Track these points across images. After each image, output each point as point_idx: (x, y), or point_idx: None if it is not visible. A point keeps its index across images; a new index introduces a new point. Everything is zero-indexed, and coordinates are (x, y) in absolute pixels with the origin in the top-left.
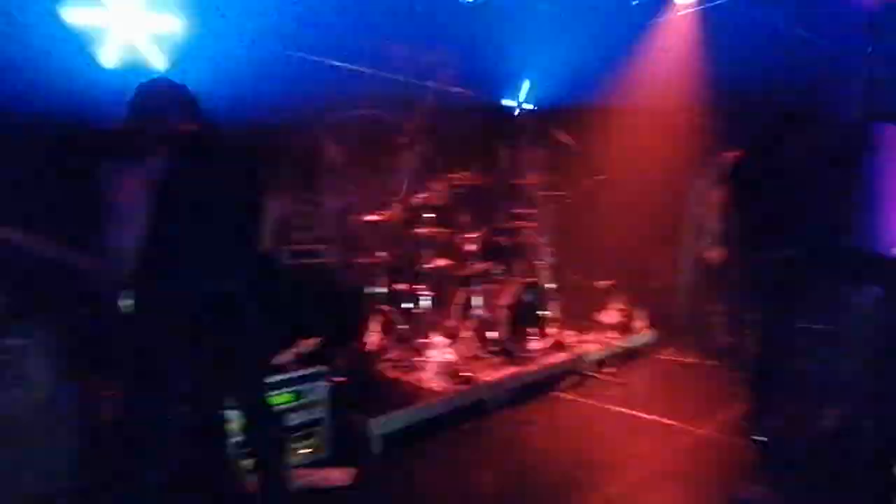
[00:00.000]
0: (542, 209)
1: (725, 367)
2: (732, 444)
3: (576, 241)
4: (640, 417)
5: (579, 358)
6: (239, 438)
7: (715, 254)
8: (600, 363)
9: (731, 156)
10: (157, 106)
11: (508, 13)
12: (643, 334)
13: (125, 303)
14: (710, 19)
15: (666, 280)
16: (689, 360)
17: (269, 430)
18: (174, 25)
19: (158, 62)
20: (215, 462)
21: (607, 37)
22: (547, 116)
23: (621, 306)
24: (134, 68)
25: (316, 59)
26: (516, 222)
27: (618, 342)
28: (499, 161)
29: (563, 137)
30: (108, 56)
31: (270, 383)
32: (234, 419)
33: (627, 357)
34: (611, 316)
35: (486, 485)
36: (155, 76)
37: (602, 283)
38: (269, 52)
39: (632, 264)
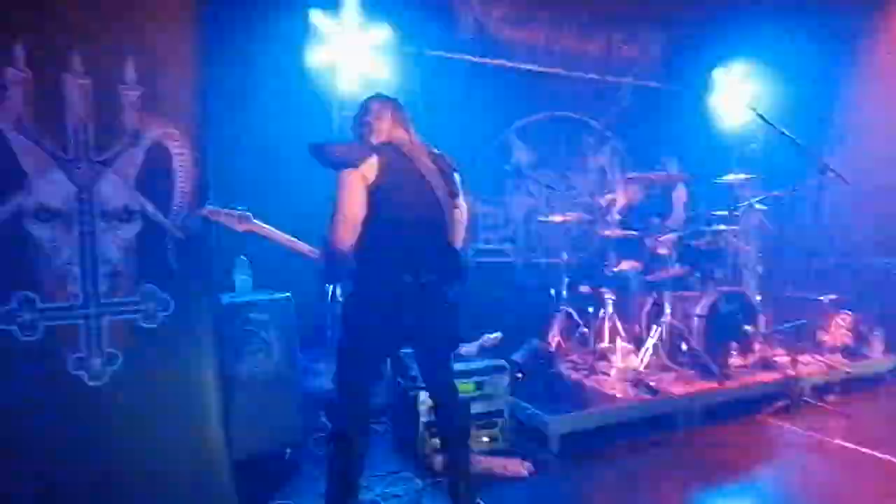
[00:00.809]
0: (750, 210)
1: None
2: None
3: (792, 247)
4: (865, 454)
5: (792, 380)
6: (428, 418)
7: None
8: (819, 389)
9: None
10: (373, 117)
11: None
12: (879, 360)
13: (342, 290)
14: None
15: None
16: None
17: (455, 414)
18: (386, 35)
19: (380, 72)
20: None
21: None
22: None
23: (849, 325)
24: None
25: (508, 63)
26: (717, 224)
27: (844, 367)
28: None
29: (782, 129)
30: (344, 85)
31: (456, 372)
32: (425, 401)
33: (856, 385)
34: (835, 335)
35: (666, 499)
36: (373, 93)
37: (825, 297)
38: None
39: (865, 275)
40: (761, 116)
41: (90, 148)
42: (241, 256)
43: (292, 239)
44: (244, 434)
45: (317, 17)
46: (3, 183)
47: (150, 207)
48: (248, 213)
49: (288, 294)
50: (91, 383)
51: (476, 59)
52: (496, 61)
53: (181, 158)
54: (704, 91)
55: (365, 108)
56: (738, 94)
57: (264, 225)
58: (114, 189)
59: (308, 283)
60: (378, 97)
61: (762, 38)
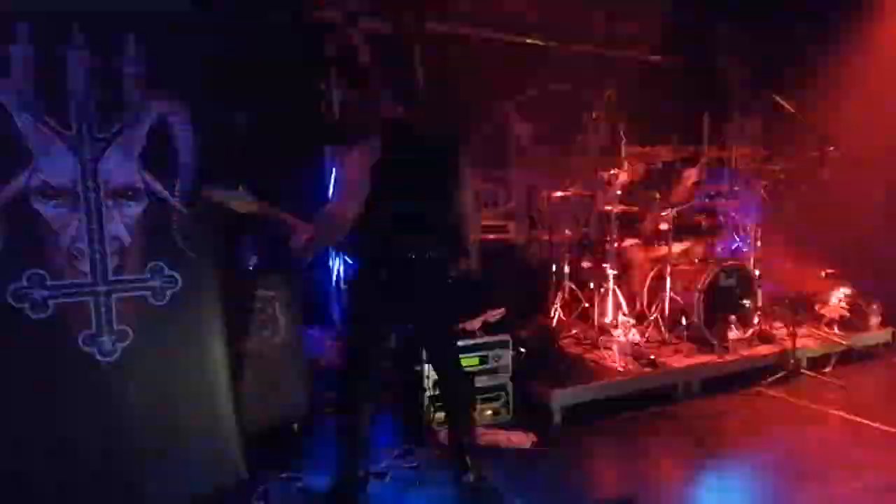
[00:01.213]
0: (751, 185)
1: None
2: None
3: (792, 222)
4: (862, 424)
5: (790, 353)
6: (432, 392)
7: None
8: (816, 361)
9: None
10: (374, 96)
11: None
12: (876, 333)
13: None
14: None
15: None
16: None
17: (459, 388)
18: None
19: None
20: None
21: None
22: (763, 77)
23: (846, 299)
24: None
25: (505, 35)
26: (718, 200)
27: (841, 339)
28: (703, 132)
29: (783, 102)
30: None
31: (460, 346)
32: (429, 374)
33: (853, 357)
34: (832, 309)
35: (666, 470)
36: (375, 73)
37: (823, 272)
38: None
39: (864, 250)
40: (769, 91)
41: (94, 124)
42: (248, 234)
43: (294, 219)
44: (252, 408)
45: None
46: (8, 160)
47: (154, 184)
48: (246, 195)
49: (293, 270)
50: (102, 360)
51: (476, 32)
52: (497, 34)
53: (185, 135)
54: (707, 65)
55: (368, 88)
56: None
57: (265, 205)
58: (118, 166)
59: (314, 259)
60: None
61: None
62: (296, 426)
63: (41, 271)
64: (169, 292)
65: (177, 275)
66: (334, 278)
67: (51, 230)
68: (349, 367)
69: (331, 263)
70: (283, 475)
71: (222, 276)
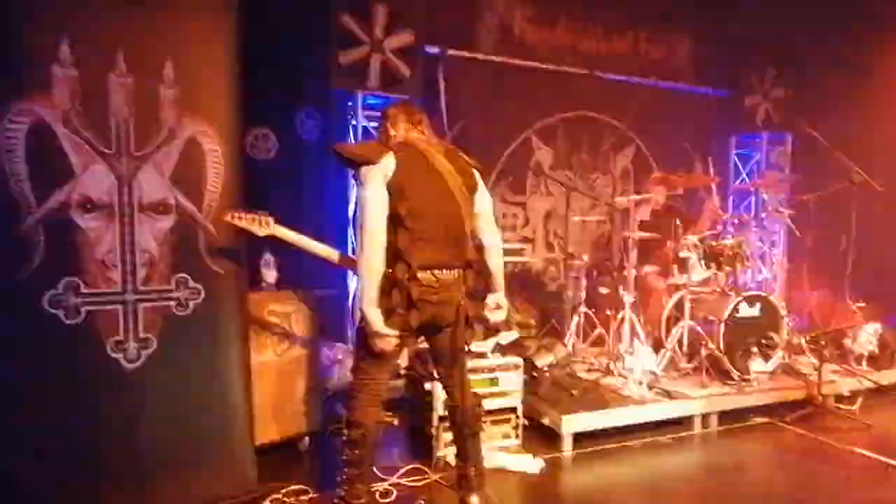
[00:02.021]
0: (778, 214)
1: None
2: None
3: (819, 252)
4: (888, 464)
5: (815, 388)
6: (441, 412)
7: None
8: (843, 398)
9: None
10: (388, 121)
11: None
12: None
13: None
14: None
15: None
16: None
17: (467, 409)
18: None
19: (404, 73)
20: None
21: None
22: (792, 105)
23: (877, 333)
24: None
25: (531, 63)
26: (744, 228)
27: (869, 376)
28: (728, 160)
29: (811, 131)
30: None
31: (471, 367)
32: (439, 394)
33: (883, 395)
34: (862, 345)
35: (679, 500)
36: (393, 99)
37: (853, 304)
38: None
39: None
40: (794, 123)
41: (131, 143)
42: (268, 252)
43: (313, 243)
44: (264, 420)
45: (344, 20)
46: (52, 175)
47: (184, 201)
48: (269, 219)
49: (311, 288)
50: (127, 366)
51: (499, 59)
52: (518, 61)
53: (213, 155)
54: (732, 92)
55: (382, 114)
56: (766, 97)
57: (286, 230)
58: (151, 183)
59: (330, 278)
60: (394, 103)
61: (791, 40)
62: (306, 440)
63: (76, 279)
64: (192, 304)
65: (200, 287)
66: (350, 296)
67: (87, 241)
68: (360, 383)
69: (347, 281)
70: (292, 488)
71: (243, 291)
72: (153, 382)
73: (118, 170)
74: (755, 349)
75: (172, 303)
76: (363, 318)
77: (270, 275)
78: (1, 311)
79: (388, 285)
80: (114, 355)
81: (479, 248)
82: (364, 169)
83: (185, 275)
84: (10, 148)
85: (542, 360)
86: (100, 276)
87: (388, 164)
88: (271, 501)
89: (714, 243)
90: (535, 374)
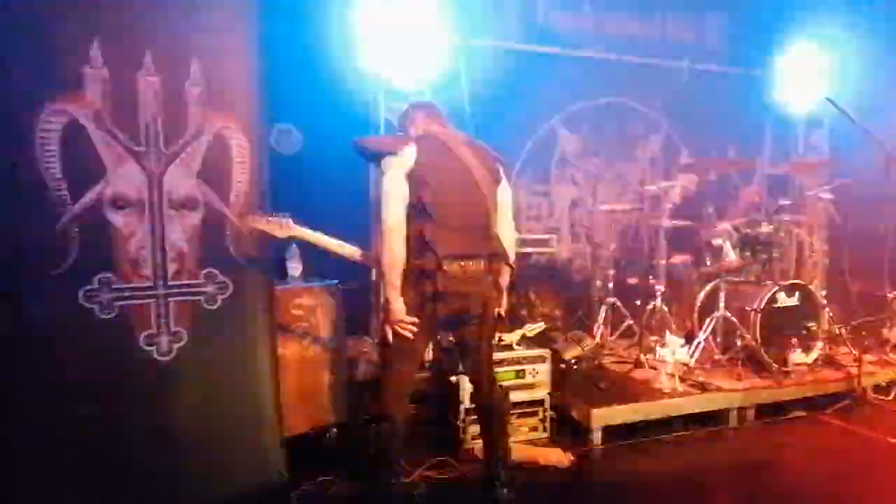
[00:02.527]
0: (817, 200)
1: None
2: None
3: (861, 240)
4: None
5: (855, 379)
6: (468, 405)
7: None
8: (881, 388)
9: None
10: (407, 119)
11: None
12: None
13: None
14: None
15: None
16: None
17: (494, 401)
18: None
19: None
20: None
21: None
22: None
23: None
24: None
25: (555, 49)
26: (779, 215)
27: None
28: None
29: (845, 110)
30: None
31: (497, 360)
32: (465, 386)
33: None
34: None
35: (715, 499)
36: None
37: (892, 293)
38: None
39: None
40: (832, 102)
41: (160, 141)
42: (293, 245)
43: (334, 242)
44: (292, 412)
45: (363, 14)
46: (86, 173)
47: (211, 196)
48: (289, 220)
49: (336, 282)
50: (159, 359)
51: (522, 47)
52: (543, 48)
53: (239, 150)
54: (766, 74)
55: (402, 113)
56: (802, 77)
57: (306, 230)
58: (180, 179)
59: (355, 271)
60: (409, 105)
61: (829, 14)
62: (333, 432)
63: (110, 275)
64: (220, 298)
65: (228, 281)
66: (375, 289)
67: (120, 237)
68: (386, 376)
69: (371, 275)
70: (319, 480)
71: (269, 284)
72: (185, 375)
73: (148, 167)
74: (795, 340)
75: (201, 297)
76: (385, 307)
77: (296, 268)
78: (41, 307)
79: (415, 276)
80: (146, 348)
81: None
82: (385, 160)
83: (213, 269)
84: (46, 148)
85: (570, 353)
86: (132, 272)
87: (409, 155)
88: (299, 492)
89: (750, 230)
90: (562, 365)
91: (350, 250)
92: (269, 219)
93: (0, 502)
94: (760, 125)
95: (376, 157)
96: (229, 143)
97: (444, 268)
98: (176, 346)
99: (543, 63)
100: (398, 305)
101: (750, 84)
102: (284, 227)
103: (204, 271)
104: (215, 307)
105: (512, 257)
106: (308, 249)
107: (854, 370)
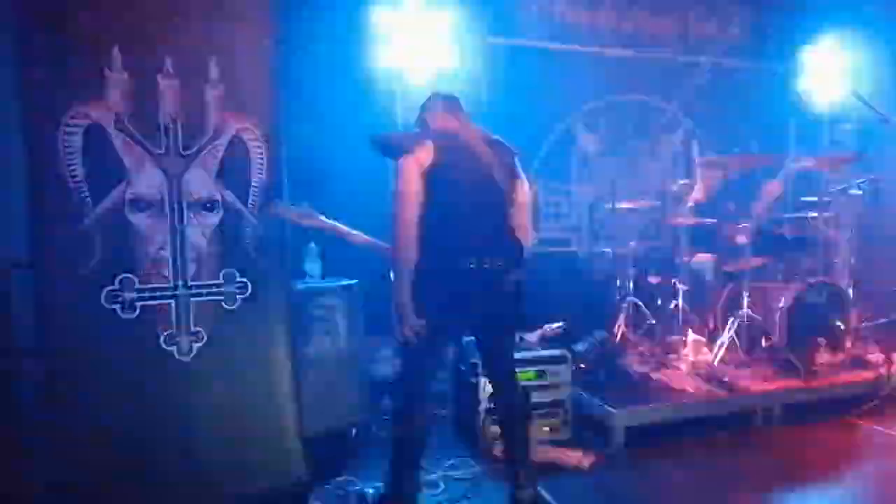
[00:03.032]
0: (843, 195)
1: None
2: None
3: (890, 237)
4: None
5: (886, 380)
6: (487, 405)
7: None
8: None
9: None
10: (425, 112)
11: None
12: None
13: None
14: None
15: None
16: None
17: (514, 401)
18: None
19: (443, 61)
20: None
21: None
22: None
23: None
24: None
25: (574, 46)
26: (805, 211)
27: None
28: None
29: (869, 103)
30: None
31: (517, 359)
32: (485, 387)
33: None
34: None
35: (740, 501)
36: (435, 92)
37: None
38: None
39: None
40: (859, 97)
41: (179, 143)
42: (312, 244)
43: (354, 232)
44: (312, 412)
45: (381, 10)
46: (108, 176)
47: (230, 197)
48: (310, 210)
49: (355, 281)
50: (180, 358)
51: (540, 44)
52: (561, 45)
53: (258, 151)
54: (789, 68)
55: (421, 106)
56: (827, 71)
57: (326, 220)
58: (199, 181)
59: (375, 270)
60: (431, 95)
61: (854, 8)
62: (353, 432)
63: (131, 275)
64: (239, 297)
65: (247, 281)
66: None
67: (141, 238)
68: (406, 375)
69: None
70: (340, 479)
71: (288, 283)
72: (205, 374)
73: (168, 169)
74: (822, 340)
75: (221, 297)
76: (396, 307)
77: (315, 267)
78: (65, 307)
79: (431, 276)
80: (167, 348)
81: None
82: (401, 158)
83: (232, 269)
84: (69, 151)
85: (580, 345)
86: (152, 272)
87: (425, 153)
88: (320, 492)
89: (774, 227)
90: (582, 365)
91: (371, 240)
92: (291, 208)
93: (20, 501)
94: (785, 121)
95: (394, 154)
96: (248, 144)
97: (461, 267)
98: (196, 345)
99: (563, 60)
100: (406, 308)
101: (774, 79)
102: (305, 216)
103: (223, 271)
104: (235, 307)
105: (528, 251)
106: (327, 249)
107: (883, 370)
